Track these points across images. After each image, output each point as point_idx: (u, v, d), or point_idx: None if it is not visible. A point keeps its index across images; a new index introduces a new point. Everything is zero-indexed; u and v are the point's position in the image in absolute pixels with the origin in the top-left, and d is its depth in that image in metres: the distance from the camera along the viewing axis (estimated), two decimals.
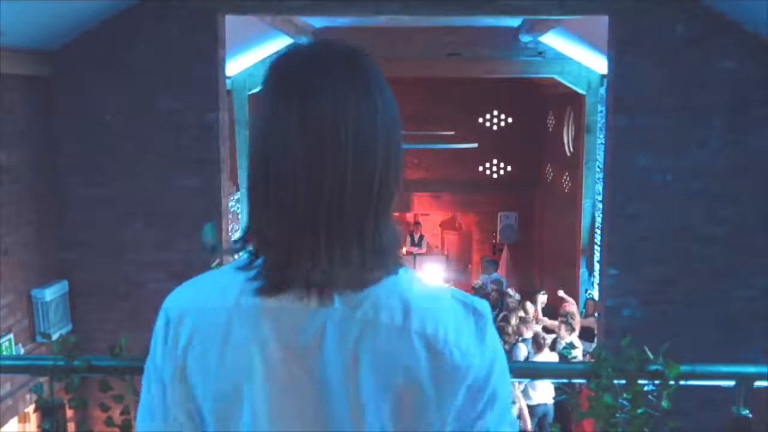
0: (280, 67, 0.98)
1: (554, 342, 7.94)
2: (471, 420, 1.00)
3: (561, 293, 9.18)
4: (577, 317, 8.37)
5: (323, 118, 0.91)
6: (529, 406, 7.31)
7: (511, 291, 10.03)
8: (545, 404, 7.34)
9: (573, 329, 7.93)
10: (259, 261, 0.99)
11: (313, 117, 0.91)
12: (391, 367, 0.95)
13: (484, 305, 1.03)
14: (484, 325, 1.01)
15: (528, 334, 7.86)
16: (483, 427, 1.00)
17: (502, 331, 7.77)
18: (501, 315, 8.93)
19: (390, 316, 0.96)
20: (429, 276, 11.62)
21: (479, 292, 10.03)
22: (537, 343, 7.49)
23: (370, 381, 0.95)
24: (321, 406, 0.97)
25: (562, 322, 8.03)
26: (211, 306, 1.00)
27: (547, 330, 8.58)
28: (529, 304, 8.84)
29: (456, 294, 1.04)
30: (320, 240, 0.92)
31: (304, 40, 8.83)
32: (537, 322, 8.58)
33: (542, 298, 9.39)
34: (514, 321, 8.20)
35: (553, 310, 9.37)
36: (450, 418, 0.98)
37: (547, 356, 7.38)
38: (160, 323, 1.05)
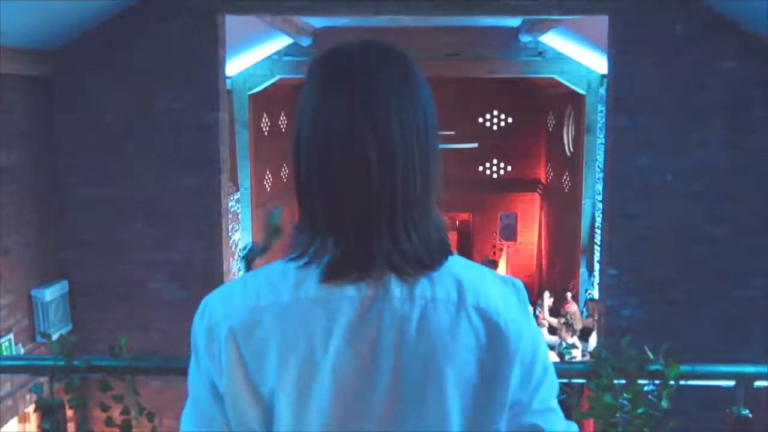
0: (325, 65, 1.01)
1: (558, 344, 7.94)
2: (528, 394, 1.07)
3: (568, 296, 9.18)
4: (578, 316, 8.37)
5: (369, 115, 0.96)
6: None
7: None
8: None
9: (575, 330, 7.91)
10: (311, 251, 1.00)
11: (371, 109, 0.96)
12: (453, 344, 0.99)
13: (519, 282, 1.10)
14: (524, 299, 1.08)
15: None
16: (540, 400, 1.09)
17: None
18: None
19: (446, 293, 1.00)
20: None
21: None
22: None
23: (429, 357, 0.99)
24: (392, 387, 0.98)
25: (563, 323, 8.03)
26: (264, 303, 1.00)
27: (552, 331, 8.59)
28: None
29: (497, 274, 1.11)
30: (382, 226, 0.97)
31: (304, 39, 8.84)
32: (541, 325, 8.59)
33: (548, 300, 9.39)
34: None
35: (556, 310, 9.38)
36: (510, 395, 1.03)
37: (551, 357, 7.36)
38: (199, 329, 1.03)
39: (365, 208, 0.97)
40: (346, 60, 1.00)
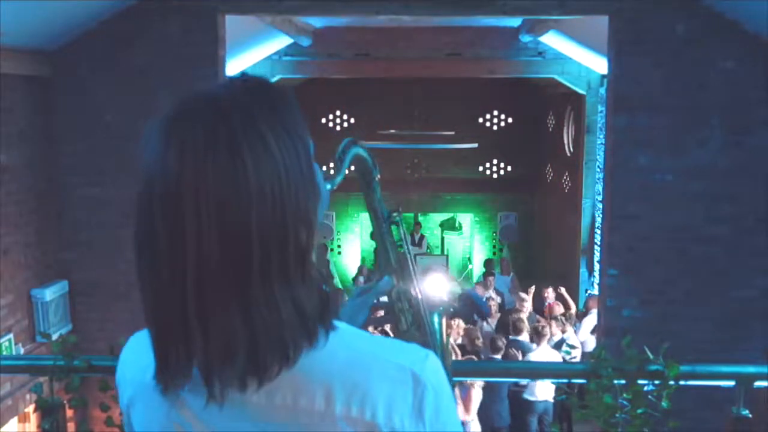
0: (158, 121, 0.86)
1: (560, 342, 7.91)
2: None
3: (562, 290, 9.16)
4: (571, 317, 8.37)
5: (181, 177, 0.80)
6: (529, 402, 7.30)
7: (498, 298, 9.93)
8: (545, 401, 7.32)
9: (544, 336, 7.82)
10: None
11: (173, 176, 0.80)
12: None
13: (428, 369, 0.87)
14: (423, 395, 0.86)
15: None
16: None
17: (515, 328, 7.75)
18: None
19: (310, 401, 0.84)
20: (430, 279, 11.50)
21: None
22: (537, 333, 7.46)
23: None
24: None
25: (534, 328, 7.96)
26: (138, 380, 0.94)
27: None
28: (524, 295, 8.91)
29: (397, 354, 0.88)
30: (191, 323, 0.80)
31: (304, 39, 8.84)
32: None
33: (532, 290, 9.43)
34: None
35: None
36: None
37: (547, 349, 7.34)
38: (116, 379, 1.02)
39: (178, 299, 0.81)
40: (169, 115, 0.85)
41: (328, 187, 1.06)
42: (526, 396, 7.27)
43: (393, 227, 1.41)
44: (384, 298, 1.37)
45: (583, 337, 8.19)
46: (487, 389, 6.61)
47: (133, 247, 0.86)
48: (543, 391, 7.25)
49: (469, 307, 9.63)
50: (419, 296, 1.37)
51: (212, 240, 0.79)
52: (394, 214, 1.41)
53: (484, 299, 9.57)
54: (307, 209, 0.84)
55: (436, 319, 1.39)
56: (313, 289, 0.85)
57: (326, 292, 0.87)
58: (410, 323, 1.35)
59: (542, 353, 7.17)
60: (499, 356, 7.03)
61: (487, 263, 11.75)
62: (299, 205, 0.82)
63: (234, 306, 0.80)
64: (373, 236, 1.41)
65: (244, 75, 0.89)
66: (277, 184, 0.81)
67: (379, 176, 1.42)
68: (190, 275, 0.80)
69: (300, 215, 0.82)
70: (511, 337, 7.66)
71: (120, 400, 1.00)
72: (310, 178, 0.86)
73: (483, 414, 6.61)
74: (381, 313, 1.40)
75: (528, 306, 8.82)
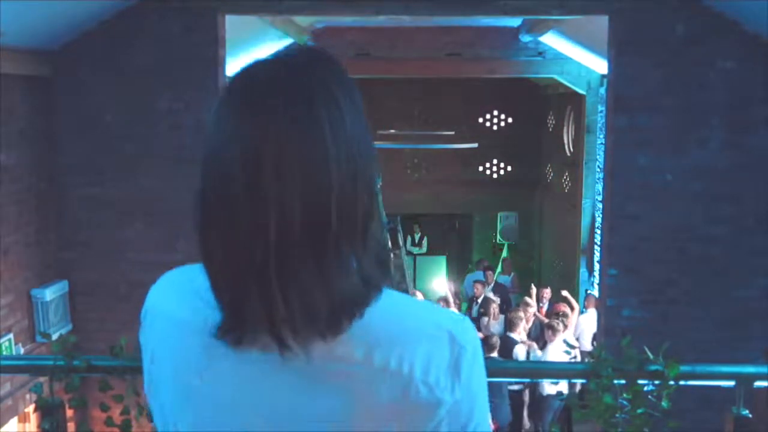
0: (229, 85, 0.87)
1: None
2: None
3: (565, 293, 9.17)
4: (571, 317, 8.37)
5: (262, 145, 0.80)
6: (544, 397, 7.30)
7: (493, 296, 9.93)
8: (561, 393, 7.22)
9: (558, 330, 7.84)
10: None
11: (253, 140, 0.81)
12: (356, 412, 0.86)
13: (465, 331, 0.90)
14: (460, 354, 0.88)
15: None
16: None
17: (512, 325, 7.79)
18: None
19: (350, 353, 0.85)
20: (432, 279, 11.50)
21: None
22: (552, 328, 7.49)
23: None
24: None
25: (549, 324, 7.98)
26: (178, 316, 0.94)
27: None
28: (529, 300, 8.93)
29: (436, 315, 0.91)
30: (272, 284, 0.81)
31: (304, 40, 8.84)
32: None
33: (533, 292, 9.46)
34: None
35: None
36: None
37: (559, 345, 7.35)
38: (142, 312, 1.02)
39: (260, 260, 0.81)
40: (242, 82, 0.86)
41: None
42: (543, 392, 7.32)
43: (392, 234, 1.43)
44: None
45: (583, 335, 8.22)
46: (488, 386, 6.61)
47: (197, 212, 0.86)
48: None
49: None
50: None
51: (294, 204, 0.80)
52: (392, 223, 1.42)
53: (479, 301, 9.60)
54: (372, 177, 0.87)
55: None
56: (372, 253, 0.87)
57: (383, 257, 0.89)
58: None
59: (558, 345, 7.23)
60: (494, 354, 7.08)
61: (483, 266, 11.75)
62: (366, 173, 0.85)
63: (313, 268, 0.82)
64: None
65: (306, 45, 0.93)
66: (350, 152, 0.83)
67: (380, 184, 1.43)
68: (273, 238, 0.81)
69: (366, 183, 0.85)
70: (507, 333, 7.72)
71: (142, 335, 1.00)
72: (372, 149, 0.89)
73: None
74: None
75: (533, 311, 8.84)
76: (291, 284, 0.82)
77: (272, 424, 0.87)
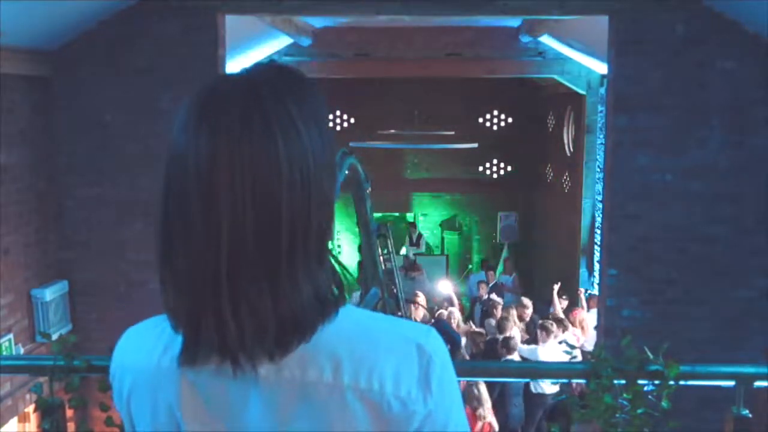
0: (192, 98, 0.88)
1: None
2: None
3: (555, 288, 9.14)
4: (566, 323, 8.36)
5: (216, 158, 0.81)
6: (538, 396, 7.31)
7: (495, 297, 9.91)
8: (554, 394, 7.27)
9: (552, 331, 7.82)
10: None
11: (207, 157, 0.82)
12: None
13: (431, 341, 0.90)
14: (429, 365, 0.88)
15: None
16: None
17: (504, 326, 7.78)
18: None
19: (319, 373, 0.85)
20: (431, 279, 11.48)
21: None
22: (545, 329, 7.51)
23: None
24: None
25: (542, 325, 7.97)
26: (140, 365, 0.94)
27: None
28: (526, 301, 8.93)
29: (401, 328, 0.91)
30: (223, 302, 0.82)
31: (304, 40, 8.84)
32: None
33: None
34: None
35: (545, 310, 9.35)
36: None
37: (554, 345, 7.36)
38: (110, 375, 1.01)
39: (212, 277, 0.82)
40: (200, 98, 0.86)
41: (341, 178, 1.11)
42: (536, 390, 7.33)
43: (382, 240, 1.43)
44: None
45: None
46: (499, 386, 6.67)
47: (157, 227, 0.87)
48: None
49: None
50: (403, 310, 1.39)
51: (246, 221, 0.81)
52: (382, 229, 1.43)
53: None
54: (329, 195, 0.87)
55: None
56: (329, 271, 0.88)
57: (339, 274, 0.90)
58: None
59: (551, 346, 7.25)
60: (514, 355, 7.15)
61: (485, 267, 11.79)
62: (322, 191, 0.85)
63: (264, 285, 0.82)
64: (360, 249, 1.44)
65: (272, 61, 0.93)
66: (305, 169, 0.83)
67: (370, 189, 1.43)
68: (224, 255, 0.81)
69: (322, 200, 0.85)
70: (498, 335, 7.74)
71: (117, 395, 0.99)
72: (332, 166, 0.89)
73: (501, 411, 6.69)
74: None
75: (529, 312, 8.84)
76: (242, 301, 0.82)
77: None
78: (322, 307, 0.85)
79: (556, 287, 9.04)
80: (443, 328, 8.20)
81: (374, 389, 0.86)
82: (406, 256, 11.97)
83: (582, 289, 9.33)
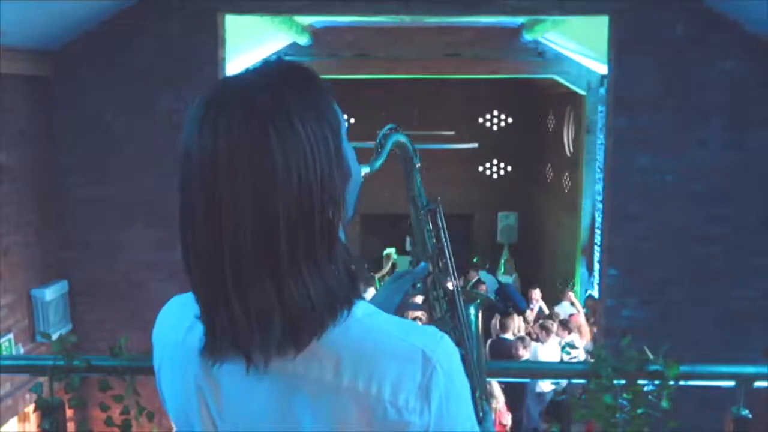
0: (201, 97, 0.92)
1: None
2: None
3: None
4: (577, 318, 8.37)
5: (216, 160, 0.83)
6: (537, 395, 7.32)
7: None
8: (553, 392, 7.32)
9: (552, 331, 7.85)
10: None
11: (208, 159, 0.84)
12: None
13: (440, 350, 0.87)
14: (432, 375, 0.85)
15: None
16: None
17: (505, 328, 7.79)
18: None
19: (320, 372, 0.85)
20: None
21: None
22: (545, 329, 7.53)
23: None
24: None
25: (542, 325, 7.97)
26: (169, 340, 0.98)
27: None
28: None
29: (409, 334, 0.88)
30: (232, 299, 0.83)
31: (304, 40, 8.84)
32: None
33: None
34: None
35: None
36: None
37: (554, 345, 7.37)
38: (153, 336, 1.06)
39: (217, 272, 0.84)
40: (205, 97, 0.90)
41: (367, 170, 1.13)
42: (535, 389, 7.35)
43: (431, 214, 1.43)
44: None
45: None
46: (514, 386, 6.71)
47: (178, 220, 0.90)
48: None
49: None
50: (455, 286, 1.39)
51: (246, 217, 0.82)
52: (433, 204, 1.43)
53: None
54: (334, 190, 0.86)
55: (472, 310, 1.40)
56: (340, 267, 0.87)
57: (353, 270, 0.89)
58: (445, 312, 1.36)
59: (551, 346, 7.26)
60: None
61: (472, 267, 11.77)
62: (325, 186, 0.84)
63: (267, 279, 0.83)
64: (410, 223, 1.43)
65: (279, 59, 0.94)
66: (303, 164, 0.83)
67: (419, 164, 1.43)
68: (227, 249, 0.83)
69: (326, 196, 0.84)
70: (499, 335, 7.75)
71: (153, 360, 1.03)
72: (338, 160, 0.88)
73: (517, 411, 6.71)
74: (417, 299, 1.41)
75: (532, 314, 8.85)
76: (249, 298, 0.83)
77: None
78: (333, 303, 0.85)
79: (570, 294, 9.11)
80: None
81: (371, 393, 0.84)
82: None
83: (572, 293, 9.34)
